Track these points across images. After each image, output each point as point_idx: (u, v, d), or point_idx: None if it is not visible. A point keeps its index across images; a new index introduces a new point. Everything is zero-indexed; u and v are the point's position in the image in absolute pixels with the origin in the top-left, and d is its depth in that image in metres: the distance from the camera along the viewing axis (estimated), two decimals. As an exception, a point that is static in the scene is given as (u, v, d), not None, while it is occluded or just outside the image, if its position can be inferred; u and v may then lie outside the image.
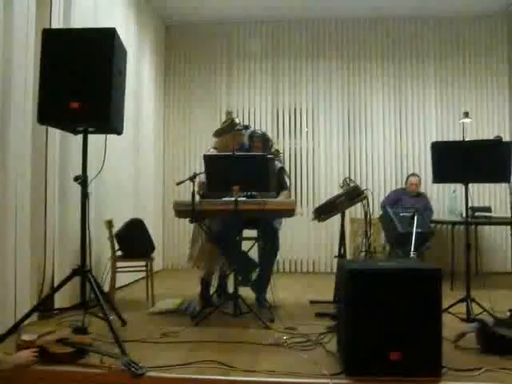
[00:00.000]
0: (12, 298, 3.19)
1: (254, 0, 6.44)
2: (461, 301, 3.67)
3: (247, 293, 4.03)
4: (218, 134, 4.34)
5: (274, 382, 2.40)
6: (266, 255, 4.12)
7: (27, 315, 2.99)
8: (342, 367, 2.49)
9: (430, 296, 2.42)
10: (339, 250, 4.22)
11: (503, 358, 2.63)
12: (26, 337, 2.62)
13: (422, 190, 6.41)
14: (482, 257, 6.44)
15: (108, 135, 3.24)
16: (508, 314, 3.44)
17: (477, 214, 5.49)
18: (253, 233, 4.30)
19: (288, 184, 4.38)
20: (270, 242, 4.08)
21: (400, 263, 2.84)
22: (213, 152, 4.22)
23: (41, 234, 3.72)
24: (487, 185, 6.60)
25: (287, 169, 6.73)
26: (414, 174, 6.35)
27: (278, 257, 4.27)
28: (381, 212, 5.85)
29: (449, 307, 3.61)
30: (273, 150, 4.37)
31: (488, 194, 6.69)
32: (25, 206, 3.37)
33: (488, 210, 5.86)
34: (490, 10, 6.71)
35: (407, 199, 6.13)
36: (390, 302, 2.41)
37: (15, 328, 2.89)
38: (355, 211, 6.27)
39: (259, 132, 4.43)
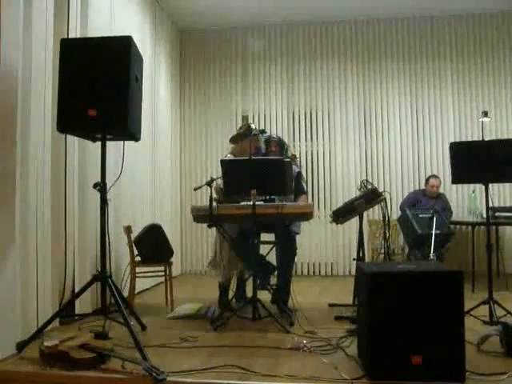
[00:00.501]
0: (34, 304, 3.23)
1: (267, 2, 6.43)
2: (483, 303, 3.61)
3: (266, 296, 4.02)
4: (234, 140, 4.35)
5: (295, 386, 2.39)
6: (284, 259, 4.10)
7: (49, 321, 3.04)
8: (362, 371, 2.47)
9: (451, 299, 2.39)
10: (358, 252, 4.19)
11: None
12: (48, 342, 2.66)
13: (441, 190, 6.33)
14: (503, 258, 6.33)
15: (125, 142, 3.28)
16: (532, 316, 3.38)
17: (497, 214, 5.41)
18: (271, 236, 4.30)
19: (305, 189, 4.38)
20: (287, 246, 4.07)
21: (420, 266, 2.80)
22: (230, 157, 4.24)
23: (61, 241, 3.77)
24: (508, 184, 6.48)
25: (304, 171, 6.72)
26: (434, 176, 6.24)
27: (296, 260, 4.25)
28: (399, 213, 5.80)
29: (471, 310, 3.56)
30: (289, 154, 4.37)
31: (509, 194, 6.58)
32: (45, 212, 3.42)
33: (509, 210, 5.75)
34: (507, 7, 6.61)
35: (426, 200, 6.07)
36: (411, 306, 2.39)
37: (38, 334, 2.94)
38: (373, 213, 6.24)
39: (275, 137, 4.43)
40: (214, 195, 3.98)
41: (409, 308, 2.39)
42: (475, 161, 3.63)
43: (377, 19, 6.93)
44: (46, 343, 2.66)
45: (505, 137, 6.24)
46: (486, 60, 6.76)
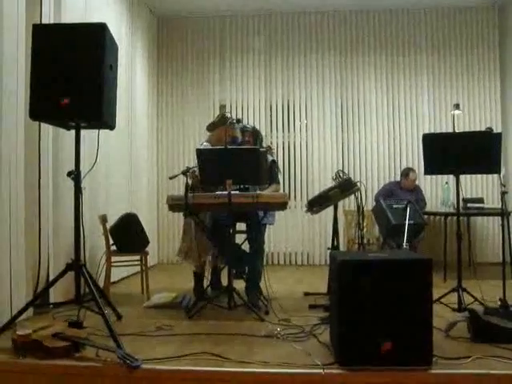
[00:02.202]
0: (7, 293, 3.20)
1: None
2: (453, 291, 3.71)
3: (242, 285, 4.05)
4: (210, 127, 4.36)
5: (268, 372, 2.43)
6: (253, 246, 4.10)
7: (22, 310, 3.01)
8: (334, 358, 2.52)
9: (420, 286, 2.44)
10: (332, 242, 4.25)
11: (492, 346, 2.68)
12: (21, 331, 2.64)
13: (415, 182, 6.41)
14: (474, 247, 6.50)
15: (101, 130, 3.25)
16: (498, 303, 3.49)
17: (469, 205, 5.52)
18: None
19: (278, 178, 4.41)
20: (254, 232, 4.07)
21: (391, 254, 2.87)
22: (206, 146, 4.24)
23: (35, 230, 3.73)
24: (480, 176, 6.63)
25: (281, 162, 6.77)
26: (412, 170, 6.21)
27: (266, 248, 4.25)
28: (374, 204, 5.87)
29: (441, 297, 3.66)
30: (264, 145, 4.39)
31: (481, 185, 6.73)
32: (19, 201, 3.37)
33: (480, 201, 5.89)
34: (482, 2, 6.73)
35: (401, 192, 6.12)
36: (381, 293, 2.43)
37: (10, 323, 2.91)
38: (349, 203, 6.31)
39: (249, 127, 4.45)
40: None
41: (379, 295, 2.43)
42: (447, 152, 3.70)
43: (354, 11, 6.97)
44: (18, 332, 2.63)
45: (477, 129, 6.37)
46: (460, 53, 6.89)
